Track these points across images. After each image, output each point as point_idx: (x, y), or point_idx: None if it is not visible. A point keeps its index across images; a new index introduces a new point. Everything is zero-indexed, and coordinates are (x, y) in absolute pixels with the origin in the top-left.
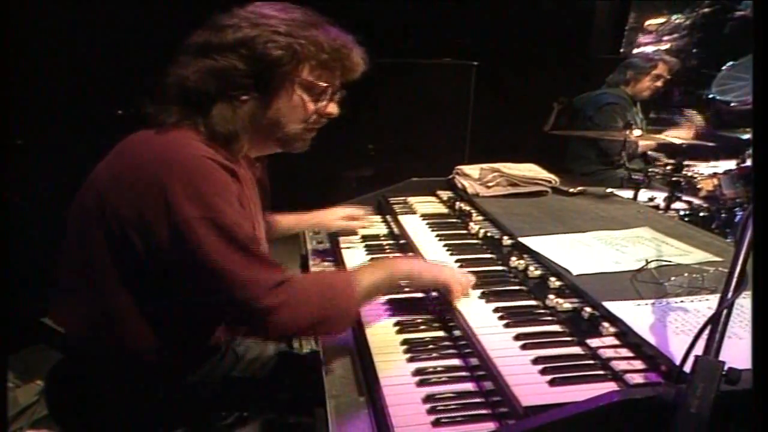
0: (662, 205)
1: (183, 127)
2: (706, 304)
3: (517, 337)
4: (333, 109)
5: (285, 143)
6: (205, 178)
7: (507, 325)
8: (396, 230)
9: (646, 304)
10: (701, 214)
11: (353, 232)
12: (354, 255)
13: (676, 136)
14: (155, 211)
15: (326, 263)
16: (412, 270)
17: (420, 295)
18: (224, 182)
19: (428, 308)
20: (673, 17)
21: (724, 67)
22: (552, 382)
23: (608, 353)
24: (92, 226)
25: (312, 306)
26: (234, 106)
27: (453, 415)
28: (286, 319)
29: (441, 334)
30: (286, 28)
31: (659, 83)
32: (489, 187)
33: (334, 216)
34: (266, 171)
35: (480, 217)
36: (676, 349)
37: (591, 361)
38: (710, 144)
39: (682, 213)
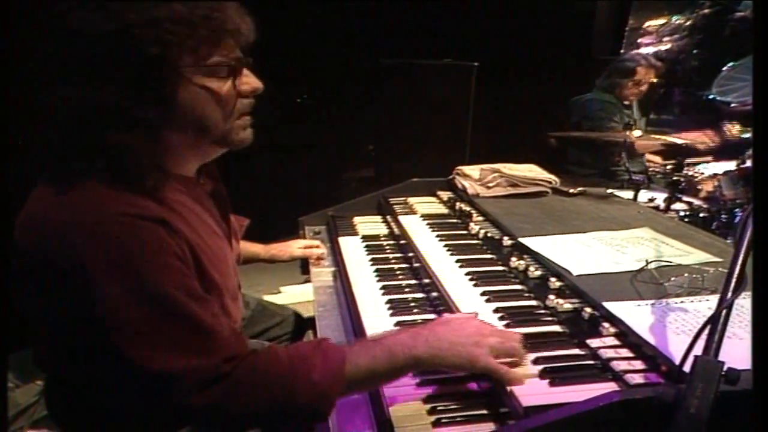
0: (662, 205)
1: (86, 178)
2: (706, 305)
3: None
4: (253, 82)
5: (223, 143)
6: (126, 241)
7: (507, 326)
8: (396, 230)
9: (646, 305)
10: (701, 214)
11: (318, 258)
12: (355, 256)
13: (677, 136)
14: (67, 288)
15: (325, 264)
16: (434, 353)
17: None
18: (152, 239)
19: (429, 303)
20: (673, 18)
21: (724, 68)
22: (552, 383)
23: (608, 353)
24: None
25: (266, 401)
26: (136, 134)
27: (453, 415)
28: (228, 417)
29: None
30: (139, 16)
31: (643, 87)
32: (489, 188)
33: (296, 245)
34: (220, 181)
35: (480, 218)
36: (676, 350)
37: (591, 362)
38: (711, 144)
39: (682, 214)
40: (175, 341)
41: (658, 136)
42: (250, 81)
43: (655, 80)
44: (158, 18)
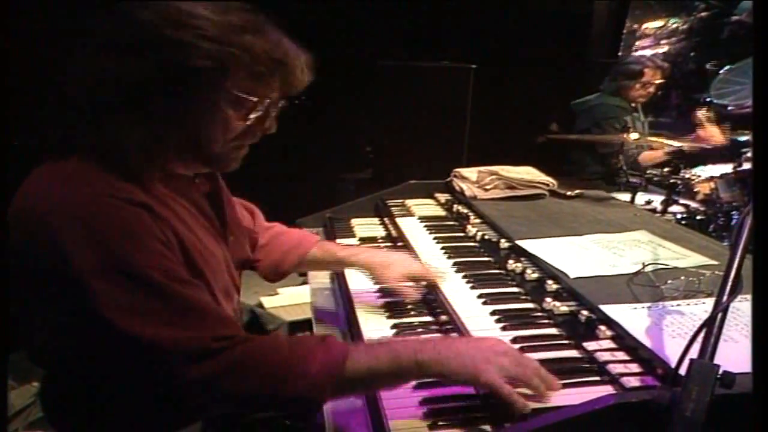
0: (659, 208)
1: (80, 155)
2: (703, 308)
3: (515, 340)
4: (269, 125)
5: (208, 163)
6: (107, 221)
7: (504, 328)
8: (394, 233)
9: (643, 308)
10: (698, 217)
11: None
12: None
13: (674, 139)
14: (48, 267)
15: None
16: (439, 360)
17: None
18: (134, 221)
19: (426, 305)
20: (671, 21)
21: (721, 71)
22: None
23: (605, 356)
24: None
25: (259, 384)
26: (138, 123)
27: (449, 417)
28: (220, 395)
29: (437, 336)
30: (216, 32)
31: (651, 89)
32: (487, 190)
33: (398, 269)
34: (218, 181)
35: (477, 220)
36: (672, 353)
37: (587, 365)
38: (707, 147)
39: (679, 216)
40: (158, 315)
41: (653, 139)
42: (268, 123)
43: (661, 81)
44: (231, 42)
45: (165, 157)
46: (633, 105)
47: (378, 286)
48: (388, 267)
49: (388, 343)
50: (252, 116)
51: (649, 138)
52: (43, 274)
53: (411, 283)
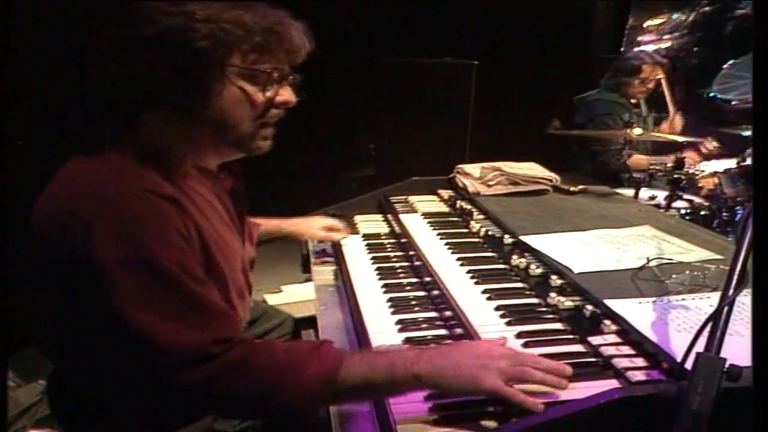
0: (663, 203)
1: (109, 149)
2: (708, 302)
3: (519, 335)
4: (287, 96)
5: (240, 146)
6: (135, 213)
7: (509, 323)
8: (397, 229)
9: (648, 302)
10: (702, 212)
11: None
12: (356, 255)
13: (678, 133)
14: (73, 252)
15: (327, 263)
16: (436, 373)
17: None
18: (161, 215)
19: (430, 301)
20: (673, 16)
21: (725, 66)
22: None
23: (610, 351)
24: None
25: (252, 391)
26: (164, 115)
27: (455, 412)
28: (212, 398)
29: (443, 332)
30: (205, 13)
31: (650, 85)
32: (490, 186)
33: (317, 225)
34: (241, 179)
35: (481, 216)
36: (677, 347)
37: (593, 359)
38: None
39: (683, 211)
40: (165, 311)
41: (656, 134)
42: (285, 94)
43: (661, 77)
44: (221, 20)
45: (197, 147)
46: (634, 101)
47: (382, 283)
48: (310, 225)
49: (386, 353)
50: (268, 88)
51: (653, 134)
52: (67, 261)
53: (332, 233)
